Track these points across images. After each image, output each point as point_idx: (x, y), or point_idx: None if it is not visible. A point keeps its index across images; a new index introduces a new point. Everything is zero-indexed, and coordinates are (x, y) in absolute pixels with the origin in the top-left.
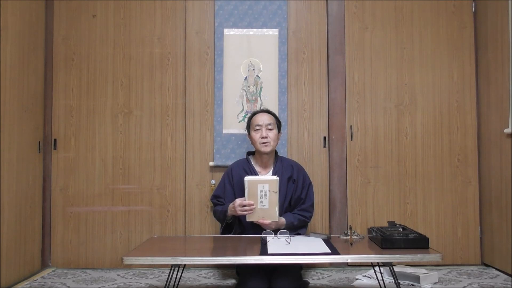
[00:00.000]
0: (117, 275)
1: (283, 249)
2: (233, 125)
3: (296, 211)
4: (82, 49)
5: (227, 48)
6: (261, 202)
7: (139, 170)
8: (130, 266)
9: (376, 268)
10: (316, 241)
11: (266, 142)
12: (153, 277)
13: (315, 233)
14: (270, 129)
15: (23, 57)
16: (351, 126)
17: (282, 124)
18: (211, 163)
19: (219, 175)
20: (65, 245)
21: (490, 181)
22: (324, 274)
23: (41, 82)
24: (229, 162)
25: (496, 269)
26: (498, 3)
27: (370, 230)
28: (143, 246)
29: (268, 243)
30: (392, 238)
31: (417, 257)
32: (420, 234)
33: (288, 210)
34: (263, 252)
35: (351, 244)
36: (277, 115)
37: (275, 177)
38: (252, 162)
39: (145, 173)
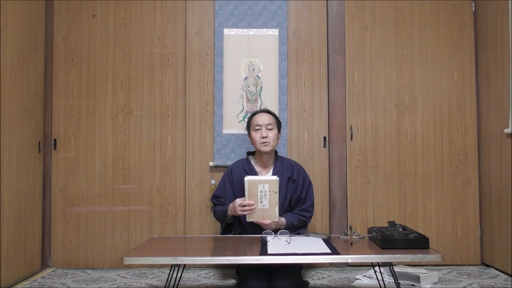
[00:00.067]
0: (117, 275)
1: (283, 249)
2: (233, 125)
3: (296, 211)
4: (82, 49)
5: (227, 48)
6: (261, 202)
7: (139, 170)
8: (130, 266)
9: (376, 268)
10: (316, 241)
11: (266, 142)
12: (153, 277)
13: (315, 233)
14: (270, 129)
15: (23, 57)
16: (351, 126)
17: (282, 124)
18: (211, 163)
19: (219, 175)
20: (65, 245)
21: (490, 181)
22: (324, 274)
23: (41, 82)
24: (229, 162)
25: (496, 269)
26: (498, 3)
27: (370, 230)
28: (143, 246)
29: (268, 243)
30: (392, 238)
31: (417, 257)
32: (420, 234)
33: (288, 210)
34: (263, 252)
35: (351, 244)
36: (277, 115)
37: (275, 177)
38: (252, 162)
39: (145, 173)
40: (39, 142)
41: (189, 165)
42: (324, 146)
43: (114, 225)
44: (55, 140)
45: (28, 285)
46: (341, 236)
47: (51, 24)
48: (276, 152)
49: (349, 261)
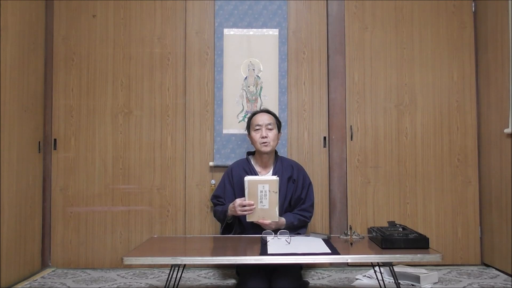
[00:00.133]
0: (117, 275)
1: (283, 249)
2: (233, 125)
3: (296, 211)
4: (82, 49)
5: (227, 48)
6: (261, 202)
7: (139, 170)
8: (130, 266)
9: (376, 268)
10: (316, 241)
11: (266, 142)
12: (153, 277)
13: (315, 233)
14: (270, 129)
15: (23, 57)
16: (351, 126)
17: (282, 124)
18: (211, 163)
19: (219, 175)
20: (65, 245)
21: (490, 181)
22: (324, 274)
23: (41, 82)
24: (229, 162)
25: (496, 269)
26: (498, 3)
27: (370, 230)
28: (143, 246)
29: (268, 243)
30: (392, 238)
31: (417, 257)
32: (420, 234)
33: (288, 210)
34: (263, 252)
35: (351, 244)
36: (277, 115)
37: (275, 177)
38: (252, 162)
39: (145, 173)
40: (39, 142)
41: (189, 165)
42: (324, 146)
43: (114, 225)
44: (55, 140)
45: (28, 285)
46: (341, 236)
47: (51, 24)
48: (276, 152)
49: (349, 261)
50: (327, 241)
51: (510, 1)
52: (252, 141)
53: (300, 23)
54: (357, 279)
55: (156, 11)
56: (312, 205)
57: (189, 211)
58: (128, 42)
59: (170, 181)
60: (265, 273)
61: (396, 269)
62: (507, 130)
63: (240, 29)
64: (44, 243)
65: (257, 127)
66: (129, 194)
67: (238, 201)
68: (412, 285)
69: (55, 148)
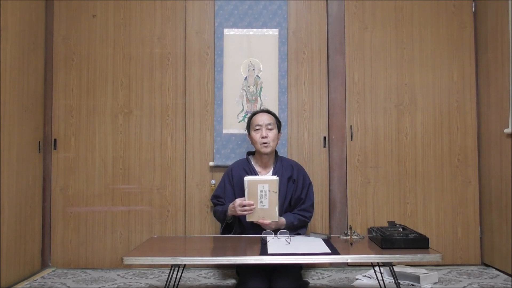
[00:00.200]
0: (117, 275)
1: (283, 249)
2: (233, 125)
3: (296, 211)
4: (82, 49)
5: (227, 48)
6: (261, 202)
7: (139, 170)
8: (130, 266)
9: (376, 268)
10: (316, 241)
11: (266, 143)
12: (153, 277)
13: (315, 233)
14: (270, 129)
15: (23, 57)
16: (351, 126)
17: (282, 124)
18: (211, 163)
19: (219, 175)
20: (65, 245)
21: (490, 181)
22: (324, 274)
23: (41, 82)
24: (229, 162)
25: (496, 269)
26: (498, 3)
27: (370, 230)
28: (143, 246)
29: (268, 243)
30: (392, 238)
31: (417, 257)
32: (420, 234)
33: (288, 210)
34: (263, 252)
35: (351, 244)
36: (277, 115)
37: (275, 177)
38: (252, 162)
39: (145, 173)
40: (39, 142)
41: (189, 165)
42: (324, 146)
43: (114, 225)
44: (55, 140)
45: (28, 285)
46: (341, 236)
47: (51, 24)
48: (276, 152)
49: (349, 261)
50: (327, 241)
51: (510, 1)
52: (252, 141)
53: (300, 23)
54: (357, 279)
55: (156, 11)
56: (312, 205)
57: (189, 211)
58: (128, 42)
59: (170, 181)
60: (265, 273)
61: (396, 269)
62: (507, 130)
63: (240, 29)
64: (44, 243)
65: (257, 127)
66: (129, 194)
67: (238, 201)
68: (412, 285)
69: (55, 148)
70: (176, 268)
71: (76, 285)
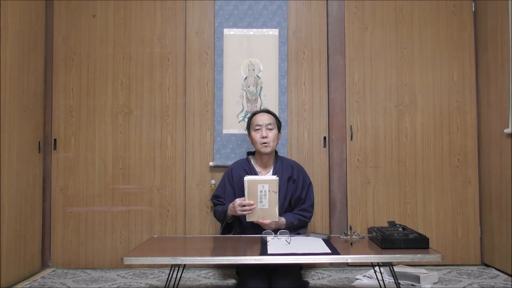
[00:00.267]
0: (117, 275)
1: (283, 249)
2: (233, 125)
3: (296, 211)
4: (82, 49)
5: (227, 48)
6: (261, 202)
7: (139, 170)
8: (130, 266)
9: (376, 268)
10: (316, 241)
11: (266, 143)
12: (153, 277)
13: (315, 233)
14: (270, 129)
15: (23, 57)
16: (351, 126)
17: (282, 124)
18: (211, 163)
19: (219, 175)
20: (65, 245)
21: (490, 181)
22: (324, 274)
23: (41, 82)
24: (229, 162)
25: (496, 269)
26: (498, 3)
27: (370, 230)
28: (143, 246)
29: (268, 243)
30: (392, 238)
31: (417, 257)
32: (420, 234)
33: (288, 210)
34: (263, 252)
35: (351, 244)
36: (277, 115)
37: (275, 177)
38: (252, 162)
39: (145, 173)
40: (39, 142)
41: (189, 165)
42: (324, 146)
43: (114, 225)
44: (55, 140)
45: (28, 285)
46: (341, 236)
47: (51, 24)
48: (276, 152)
49: (349, 261)
50: (327, 241)
51: (510, 1)
52: (252, 141)
53: (300, 23)
54: (357, 279)
55: (156, 11)
56: (312, 205)
57: (189, 211)
58: (128, 42)
59: (170, 181)
60: (265, 273)
61: (396, 269)
62: (507, 130)
63: (240, 29)
64: (44, 243)
65: (257, 127)
66: (129, 194)
67: (238, 201)
68: (412, 285)
69: (55, 148)
70: (176, 268)
71: (76, 285)
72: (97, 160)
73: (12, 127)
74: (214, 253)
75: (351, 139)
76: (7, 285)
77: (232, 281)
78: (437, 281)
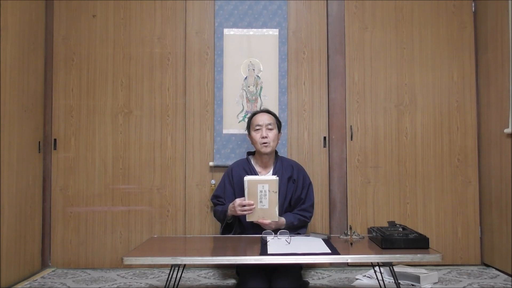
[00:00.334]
0: (117, 275)
1: (283, 249)
2: (233, 125)
3: (296, 211)
4: (82, 49)
5: (227, 48)
6: (261, 202)
7: (139, 170)
8: (130, 266)
9: (376, 268)
10: (316, 241)
11: (266, 143)
12: (153, 277)
13: (315, 233)
14: (270, 129)
15: (23, 57)
16: (351, 126)
17: (282, 124)
18: (211, 163)
19: (219, 175)
20: (65, 245)
21: (490, 181)
22: (324, 274)
23: (41, 82)
24: (229, 162)
25: (496, 269)
26: (498, 3)
27: (370, 230)
28: (143, 246)
29: (268, 243)
30: (392, 238)
31: (417, 257)
32: (420, 234)
33: (288, 210)
34: (263, 252)
35: (351, 244)
36: (277, 115)
37: (275, 177)
38: (252, 162)
39: (145, 173)
40: (39, 142)
41: (189, 165)
42: (324, 146)
43: (114, 225)
44: (55, 140)
45: (28, 285)
46: (341, 236)
47: (51, 24)
48: (276, 152)
49: (349, 261)
50: (327, 241)
51: (510, 1)
52: (252, 141)
53: (300, 23)
54: (357, 279)
55: (156, 11)
56: (312, 205)
57: (189, 211)
58: (128, 42)
59: (170, 181)
60: (265, 273)
61: (396, 269)
62: (507, 130)
63: (240, 29)
64: (44, 243)
65: (257, 127)
66: (129, 194)
67: (238, 201)
68: (412, 285)
69: (55, 148)
70: (176, 268)
71: (76, 285)
72: (97, 160)
73: (12, 127)
74: (214, 253)
75: (351, 139)
76: (7, 285)
77: (232, 281)
78: (437, 281)
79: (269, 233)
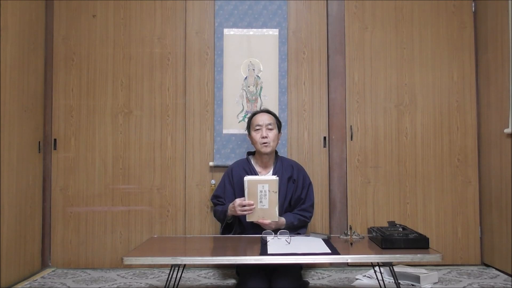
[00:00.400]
0: (117, 275)
1: (283, 249)
2: (233, 125)
3: (296, 211)
4: (82, 49)
5: (227, 48)
6: (260, 202)
7: (139, 170)
8: (130, 266)
9: (376, 268)
10: (316, 241)
11: (266, 143)
12: (153, 277)
13: (315, 233)
14: (270, 129)
15: (23, 57)
16: (351, 126)
17: (282, 124)
18: (211, 163)
19: (219, 175)
20: (65, 245)
21: (490, 181)
22: (324, 274)
23: (41, 82)
24: (229, 162)
25: (496, 269)
26: (498, 3)
27: (370, 230)
28: (143, 246)
29: (268, 243)
30: (392, 238)
31: (417, 257)
32: (420, 234)
33: (288, 210)
34: (263, 252)
35: (351, 244)
36: (277, 115)
37: (275, 177)
38: (252, 162)
39: (145, 173)
40: (39, 142)
41: (189, 165)
42: (324, 146)
43: (114, 225)
44: (55, 140)
45: (28, 285)
46: (341, 236)
47: (51, 24)
48: (276, 152)
49: (349, 261)
50: (327, 241)
51: (510, 1)
52: (253, 141)
53: (300, 23)
54: (357, 279)
55: (156, 11)
56: (312, 205)
57: (189, 211)
58: (128, 42)
59: (170, 181)
60: (265, 273)
61: (396, 269)
62: (507, 130)
63: (240, 29)
64: (44, 243)
65: (258, 127)
66: (129, 194)
67: (238, 201)
68: (412, 285)
69: (55, 148)
70: (176, 268)
71: (76, 285)
72: (97, 160)
73: (12, 127)
74: (214, 253)
75: (351, 139)
76: (7, 285)
77: (232, 281)
78: (437, 281)
79: (269, 233)
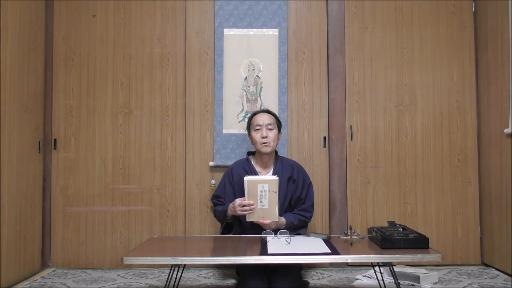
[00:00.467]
0: (117, 275)
1: (283, 249)
2: (233, 125)
3: (296, 211)
4: (82, 49)
5: (227, 48)
6: (261, 202)
7: (139, 170)
8: (130, 266)
9: (376, 268)
10: (316, 241)
11: (266, 143)
12: (153, 277)
13: (315, 233)
14: (270, 129)
15: (23, 57)
16: (351, 126)
17: (282, 124)
18: (211, 163)
19: (219, 175)
20: (65, 245)
21: (490, 181)
22: (324, 274)
23: (41, 82)
24: (229, 162)
25: (496, 269)
26: (498, 3)
27: (370, 230)
28: (143, 246)
29: (268, 243)
30: (392, 238)
31: (417, 257)
32: (420, 234)
33: (288, 210)
34: (263, 252)
35: (351, 244)
36: (277, 115)
37: (275, 177)
38: (253, 162)
39: (145, 173)
40: (39, 142)
41: (189, 165)
42: (324, 146)
43: (114, 225)
44: (55, 140)
45: (28, 285)
46: (341, 236)
47: (51, 24)
48: (276, 152)
49: (349, 261)
50: (327, 241)
51: (510, 1)
52: (253, 141)
53: (300, 23)
54: (357, 279)
55: (156, 11)
56: (312, 205)
57: (189, 211)
58: (128, 42)
59: (170, 181)
60: (265, 273)
61: (396, 269)
62: (507, 130)
63: (240, 29)
64: (44, 243)
65: (258, 127)
66: (129, 194)
67: (238, 201)
68: (412, 285)
69: (55, 148)
70: (176, 268)
71: (76, 285)
72: (97, 160)
73: (12, 127)
74: (214, 253)
75: (351, 139)
76: (7, 285)
77: (232, 281)
78: (437, 281)
79: (269, 233)
